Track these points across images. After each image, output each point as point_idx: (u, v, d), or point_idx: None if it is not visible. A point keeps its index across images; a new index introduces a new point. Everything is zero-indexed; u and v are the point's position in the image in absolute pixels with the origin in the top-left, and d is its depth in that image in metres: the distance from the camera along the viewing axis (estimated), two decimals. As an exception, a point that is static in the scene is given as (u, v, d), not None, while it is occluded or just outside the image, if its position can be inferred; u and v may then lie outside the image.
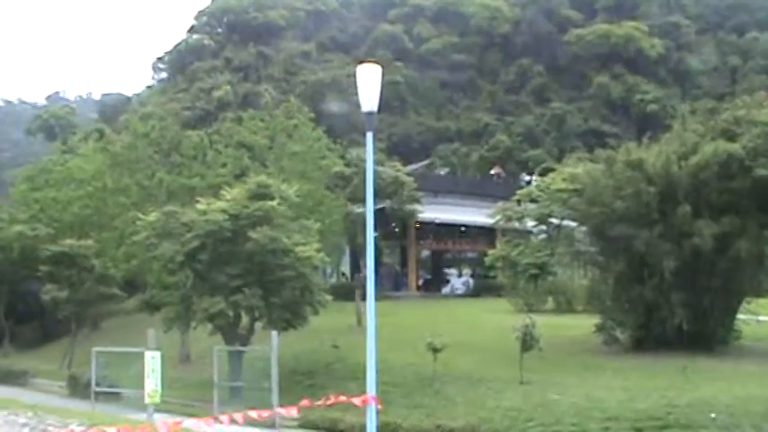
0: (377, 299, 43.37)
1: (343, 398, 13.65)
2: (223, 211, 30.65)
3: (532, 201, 46.83)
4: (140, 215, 32.59)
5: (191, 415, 23.84)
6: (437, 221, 59.76)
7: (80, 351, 48.10)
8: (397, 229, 63.13)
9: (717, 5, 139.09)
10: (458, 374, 30.80)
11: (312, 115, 45.92)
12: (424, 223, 61.51)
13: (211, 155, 43.34)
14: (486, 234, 66.27)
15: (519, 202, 47.63)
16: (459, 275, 69.43)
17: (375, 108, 14.18)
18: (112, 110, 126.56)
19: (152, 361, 24.34)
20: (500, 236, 61.84)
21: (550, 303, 47.67)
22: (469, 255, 73.81)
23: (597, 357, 33.20)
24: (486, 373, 30.94)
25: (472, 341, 36.14)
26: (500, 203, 50.56)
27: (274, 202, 30.73)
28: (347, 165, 50.20)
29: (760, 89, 71.55)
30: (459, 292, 62.83)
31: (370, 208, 14.98)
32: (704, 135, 35.44)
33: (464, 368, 31.60)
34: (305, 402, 14.84)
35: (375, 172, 46.52)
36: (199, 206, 31.56)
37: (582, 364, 31.96)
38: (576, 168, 48.86)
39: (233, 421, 11.32)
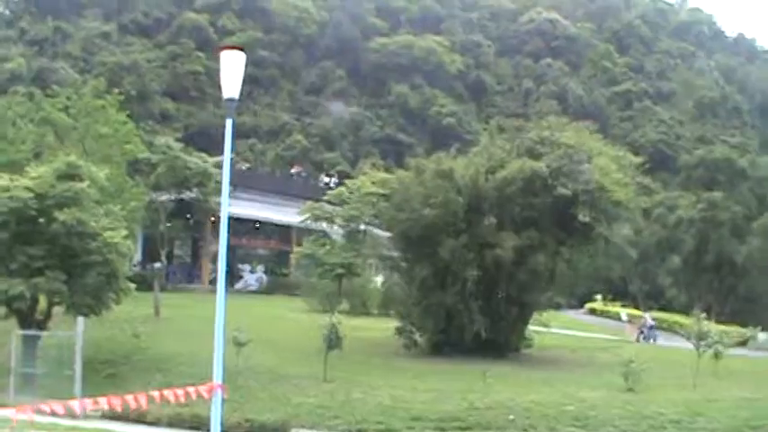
0: (166, 290, 42.73)
1: (191, 389, 13.24)
2: (28, 189, 29.34)
3: (342, 202, 47.30)
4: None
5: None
6: (234, 216, 59.29)
7: None
8: (191, 221, 62.27)
9: (516, 30, 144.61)
10: (260, 370, 30.71)
11: (121, 98, 44.64)
12: (218, 217, 60.94)
13: (13, 130, 41.48)
14: (281, 232, 66.35)
15: (329, 202, 48.00)
16: (252, 272, 69.13)
17: (236, 95, 14.10)
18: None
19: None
20: (295, 235, 62.00)
21: (344, 305, 48.19)
22: (261, 251, 73.58)
23: (398, 359, 33.90)
24: (288, 370, 31.02)
25: (271, 338, 36.17)
26: (309, 203, 50.71)
27: (84, 184, 29.72)
28: (153, 152, 49.19)
29: (550, 113, 75.11)
30: (253, 288, 62.65)
31: (225, 202, 14.79)
32: (510, 152, 36.83)
33: (266, 364, 31.56)
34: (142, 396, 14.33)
35: (182, 161, 45.83)
36: (0, 182, 30.09)
37: (383, 365, 32.57)
38: (378, 173, 49.68)
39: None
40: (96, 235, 29.15)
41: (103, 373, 30.86)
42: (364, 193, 44.48)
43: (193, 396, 13.98)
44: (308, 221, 49.06)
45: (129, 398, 11.79)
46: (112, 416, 23.67)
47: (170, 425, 24.28)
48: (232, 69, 14.00)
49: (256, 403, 26.88)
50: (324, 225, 48.22)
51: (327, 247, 44.51)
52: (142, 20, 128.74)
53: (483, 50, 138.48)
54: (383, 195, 40.41)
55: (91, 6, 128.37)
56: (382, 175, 46.91)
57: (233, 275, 67.41)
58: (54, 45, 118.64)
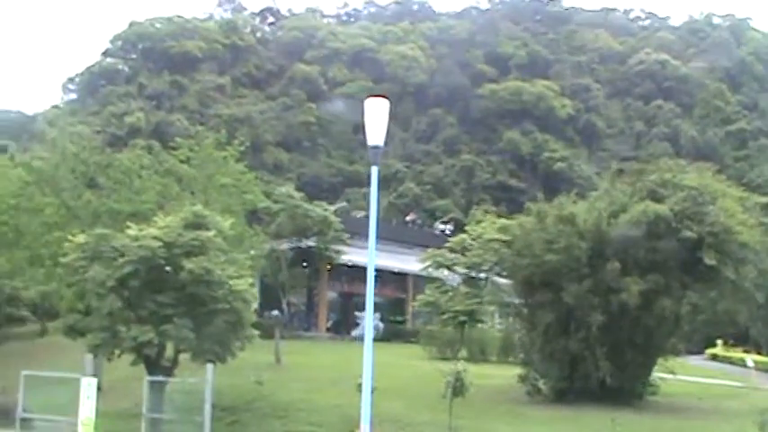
0: (285, 338, 43.08)
1: None
2: (156, 238, 29.99)
3: (463, 249, 47.23)
4: (70, 236, 31.68)
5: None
6: (352, 264, 59.63)
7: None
8: (307, 269, 62.81)
9: (626, 72, 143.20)
10: (384, 417, 30.54)
11: (242, 148, 45.56)
12: (335, 264, 61.32)
13: (139, 181, 42.63)
14: (397, 279, 66.35)
15: (450, 249, 47.93)
16: (369, 319, 69.21)
17: (381, 143, 14.07)
18: (18, 127, 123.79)
19: (88, 388, 23.62)
20: (411, 282, 61.94)
21: (463, 352, 47.88)
22: (377, 299, 73.71)
23: (522, 407, 33.43)
24: (413, 418, 30.88)
25: (393, 385, 36.00)
26: (430, 250, 50.74)
27: (210, 233, 30.25)
28: (275, 201, 49.86)
29: (663, 155, 73.84)
30: (370, 336, 62.67)
31: (372, 246, 14.70)
32: (632, 195, 36.28)
33: (390, 412, 31.43)
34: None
35: (302, 210, 46.36)
36: (130, 231, 30.83)
37: (507, 412, 32.15)
38: (499, 219, 49.41)
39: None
40: (223, 283, 29.54)
41: (226, 419, 31.19)
42: (486, 239, 44.25)
43: None
44: (430, 269, 49.04)
45: None
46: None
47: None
48: (376, 117, 14.03)
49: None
50: (444, 273, 48.12)
51: (450, 294, 44.39)
52: (255, 72, 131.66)
53: (593, 94, 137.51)
54: (504, 242, 40.14)
55: (205, 60, 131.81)
56: (503, 221, 46.64)
57: (349, 323, 67.77)
58: (171, 99, 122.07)
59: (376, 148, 13.93)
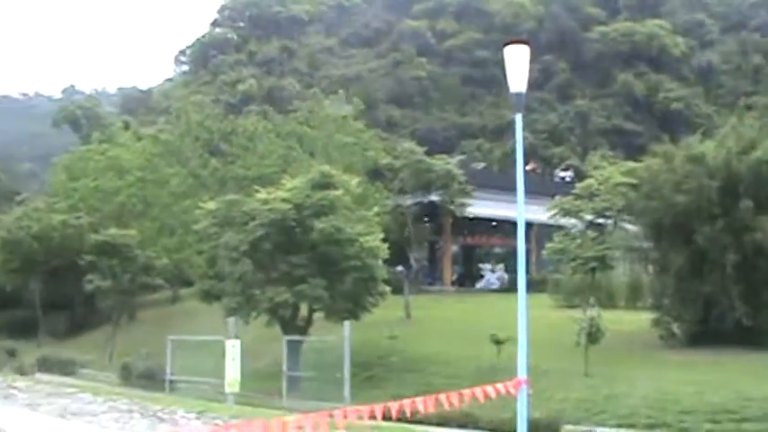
0: (413, 292, 43.18)
1: (489, 388, 12.73)
2: (285, 200, 30.48)
3: (591, 195, 46.56)
4: (200, 204, 32.47)
5: (256, 405, 23.71)
6: (473, 216, 59.45)
7: (119, 341, 48.22)
8: (429, 224, 62.86)
9: (739, 4, 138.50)
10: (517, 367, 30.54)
11: (362, 107, 45.77)
12: (457, 218, 61.21)
13: (262, 145, 43.24)
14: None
15: (577, 195, 47.30)
16: (492, 271, 69.07)
17: (524, 89, 13.89)
18: (135, 102, 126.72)
19: (232, 349, 24.21)
20: (534, 232, 61.46)
21: (591, 299, 47.29)
22: (498, 250, 73.47)
23: (657, 351, 32.91)
24: (548, 366, 30.73)
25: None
26: (557, 197, 50.17)
27: (338, 192, 30.59)
28: (396, 157, 49.92)
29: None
30: (494, 286, 62.50)
31: (521, 198, 14.53)
32: (761, 130, 35.26)
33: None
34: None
35: (425, 165, 46.34)
36: (259, 195, 31.41)
37: (642, 358, 31.69)
38: (617, 165, 48.53)
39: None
40: (353, 241, 29.91)
41: (362, 375, 31.54)
42: (613, 184, 43.55)
43: (493, 394, 13.68)
44: (557, 217, 48.54)
45: (443, 398, 11.67)
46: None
47: (438, 424, 24.46)
48: (517, 63, 13.82)
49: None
50: (571, 220, 47.58)
51: (578, 241, 43.88)
52: (362, 31, 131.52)
53: (706, 29, 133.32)
54: (632, 185, 39.42)
55: (313, 23, 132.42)
56: (629, 164, 45.81)
57: (473, 275, 67.73)
58: (281, 64, 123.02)
59: (519, 94, 13.74)
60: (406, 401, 9.63)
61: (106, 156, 57.35)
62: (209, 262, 38.02)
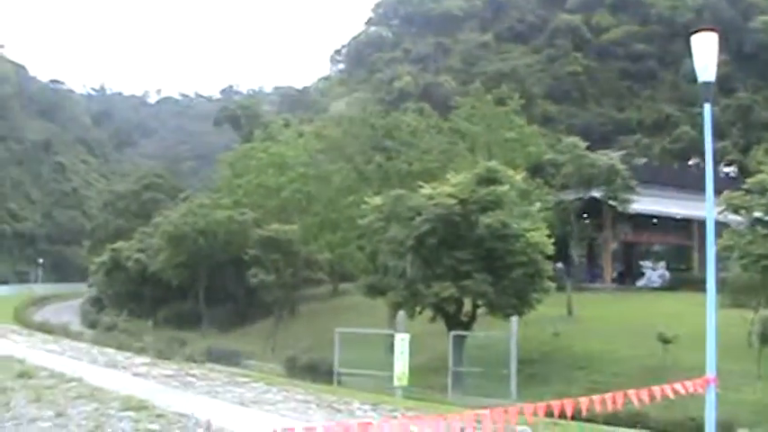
0: (573, 289, 42.21)
1: (678, 386, 12.22)
2: (451, 195, 30.45)
3: (763, 189, 44.89)
4: (366, 199, 32.78)
5: (424, 399, 23.69)
6: (635, 212, 58.17)
7: (280, 334, 49.14)
8: (588, 220, 61.82)
9: None
10: (685, 367, 29.63)
11: (522, 102, 45.37)
12: (618, 214, 60.00)
13: (425, 141, 43.40)
14: (680, 226, 64.13)
15: (747, 191, 45.69)
16: (653, 268, 67.51)
17: (712, 78, 13.40)
18: (292, 100, 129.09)
19: (401, 343, 24.34)
20: (696, 228, 59.74)
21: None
22: (658, 247, 71.84)
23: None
24: (718, 367, 29.75)
25: (689, 333, 34.90)
26: (725, 192, 48.55)
27: (505, 188, 30.38)
28: (559, 152, 49.28)
29: None
30: (656, 285, 61.08)
31: (710, 197, 13.98)
32: None
33: (690, 361, 30.44)
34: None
35: (589, 160, 45.48)
36: (424, 191, 31.50)
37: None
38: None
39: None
40: (519, 236, 29.67)
41: (525, 371, 31.24)
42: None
43: (684, 391, 13.15)
44: (726, 213, 46.89)
45: (632, 396, 11.30)
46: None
47: (606, 423, 24.00)
48: (705, 52, 13.33)
49: (695, 401, 26.07)
50: (737, 217, 45.88)
51: (748, 238, 42.31)
52: (517, 26, 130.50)
53: None
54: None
55: (467, 19, 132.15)
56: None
57: (634, 273, 66.34)
58: (436, 60, 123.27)
59: (707, 84, 13.21)
60: (583, 399, 9.36)
61: (268, 153, 58.58)
62: (370, 257, 38.40)
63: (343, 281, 59.42)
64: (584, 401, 9.25)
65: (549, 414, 8.92)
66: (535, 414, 8.79)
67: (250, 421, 12.65)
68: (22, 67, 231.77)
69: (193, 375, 20.08)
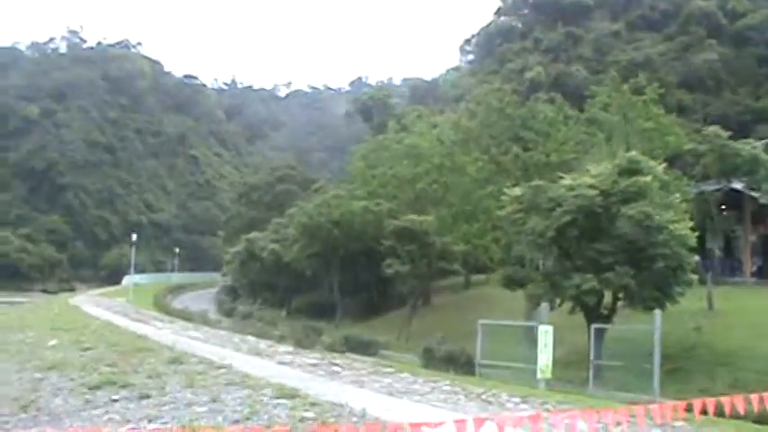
0: (711, 283, 40.98)
1: None
2: (592, 186, 30.14)
3: None
4: (505, 190, 32.69)
5: (568, 392, 23.50)
6: (777, 205, 56.33)
7: (414, 325, 49.38)
8: (725, 211, 60.18)
9: None
10: None
11: (661, 91, 44.45)
12: (759, 206, 58.18)
13: (563, 131, 42.99)
14: None
15: None
16: (798, 263, 65.20)
17: None
18: (422, 92, 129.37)
19: (545, 335, 24.25)
20: None
21: None
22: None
23: None
24: None
25: None
26: None
27: (647, 179, 29.91)
28: (700, 142, 48.16)
29: None
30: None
31: None
32: None
33: None
34: None
35: (731, 149, 44.27)
36: (564, 181, 31.25)
37: None
38: None
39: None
40: (662, 228, 29.15)
41: (666, 366, 30.66)
42: None
43: None
44: None
45: None
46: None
47: (756, 422, 23.38)
48: None
49: None
50: None
51: None
52: (649, 14, 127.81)
53: None
54: None
55: (597, 8, 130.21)
56: None
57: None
58: (566, 50, 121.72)
59: None
60: (725, 398, 9.19)
61: (403, 144, 58.95)
62: (505, 248, 38.27)
63: (475, 273, 59.40)
64: (725, 401, 9.11)
65: (689, 410, 8.81)
66: (689, 410, 8.71)
67: (402, 411, 12.78)
68: (158, 63, 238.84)
69: (337, 365, 20.37)
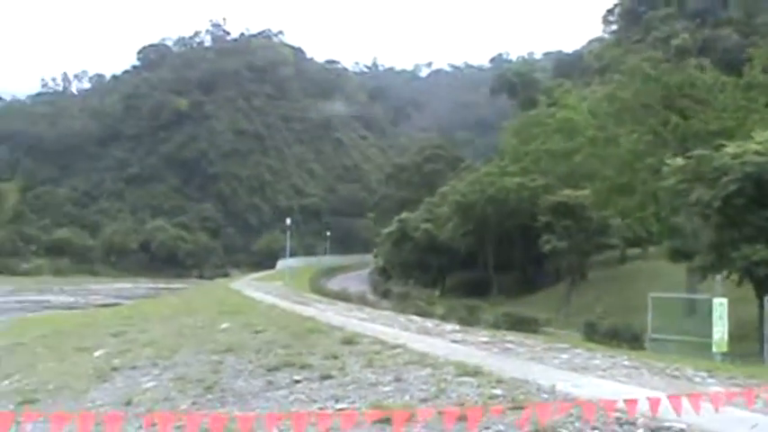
0: None
1: None
2: (758, 153, 29.22)
3: None
4: (667, 161, 32.00)
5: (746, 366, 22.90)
6: None
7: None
8: None
9: None
10: None
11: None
12: None
13: (721, 97, 41.66)
14: None
15: None
16: None
17: None
18: (567, 65, 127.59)
19: (720, 308, 23.66)
20: None
21: None
22: None
23: None
24: None
25: None
26: None
27: (819, 145, 28.85)
28: None
29: None
30: None
31: None
32: None
33: None
34: None
35: None
36: (728, 149, 30.36)
37: None
38: None
39: None
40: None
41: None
42: None
43: None
44: None
45: None
46: None
47: None
48: None
49: None
50: None
51: None
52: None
53: None
54: None
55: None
56: None
57: None
58: (714, 14, 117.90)
59: None
60: None
61: (555, 118, 58.29)
62: (664, 221, 37.46)
63: (631, 246, 58.41)
64: None
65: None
66: None
67: (590, 387, 12.62)
68: (300, 50, 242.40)
69: (510, 341, 20.30)
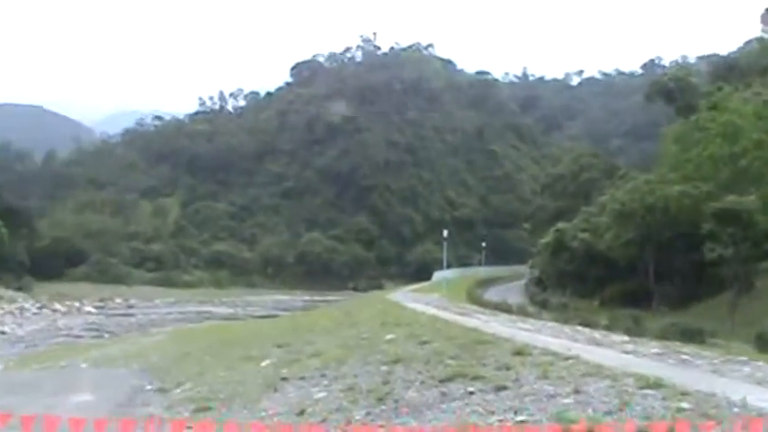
0: None
1: None
2: None
3: None
4: None
5: None
6: None
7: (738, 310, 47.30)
8: None
9: None
10: None
11: None
12: None
13: None
14: None
15: None
16: None
17: None
18: (724, 68, 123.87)
19: None
20: None
21: None
22: None
23: None
24: None
25: None
26: None
27: None
28: None
29: None
30: None
31: None
32: None
33: None
34: None
35: None
36: None
37: None
38: None
39: None
40: None
41: None
42: None
43: None
44: None
45: None
46: None
47: None
48: None
49: None
50: None
51: None
52: None
53: None
54: None
55: None
56: None
57: None
58: None
59: None
60: None
61: (717, 122, 56.81)
62: None
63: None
64: None
65: None
66: None
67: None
68: (450, 62, 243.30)
69: (685, 353, 19.74)
